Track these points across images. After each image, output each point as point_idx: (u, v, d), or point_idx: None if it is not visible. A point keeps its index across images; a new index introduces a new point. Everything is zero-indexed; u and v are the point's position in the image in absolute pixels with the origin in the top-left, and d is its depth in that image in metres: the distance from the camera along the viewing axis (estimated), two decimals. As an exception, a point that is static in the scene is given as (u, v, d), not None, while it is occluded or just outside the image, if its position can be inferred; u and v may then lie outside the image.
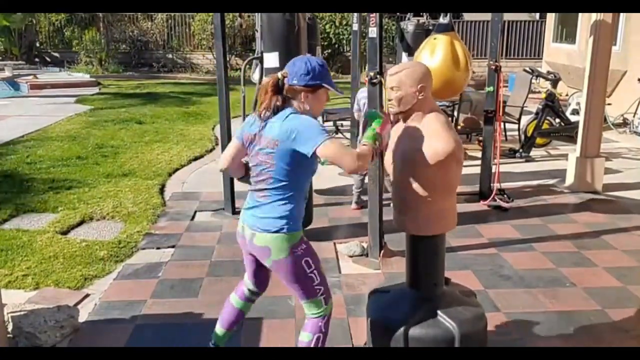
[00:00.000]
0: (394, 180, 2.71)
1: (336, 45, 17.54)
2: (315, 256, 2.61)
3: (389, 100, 2.66)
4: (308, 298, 2.60)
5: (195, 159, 7.45)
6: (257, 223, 2.53)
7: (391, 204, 2.81)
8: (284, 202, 2.49)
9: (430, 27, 6.64)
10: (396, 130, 2.73)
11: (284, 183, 2.47)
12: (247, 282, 2.88)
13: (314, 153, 2.35)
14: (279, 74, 2.50)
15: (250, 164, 2.61)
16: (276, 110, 2.45)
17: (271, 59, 4.37)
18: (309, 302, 2.62)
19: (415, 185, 2.57)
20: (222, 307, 2.95)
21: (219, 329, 2.91)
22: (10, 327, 3.16)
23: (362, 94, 5.26)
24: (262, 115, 2.48)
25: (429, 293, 2.70)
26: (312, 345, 2.61)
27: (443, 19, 5.31)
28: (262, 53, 4.63)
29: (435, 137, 2.52)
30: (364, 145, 2.46)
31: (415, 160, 2.54)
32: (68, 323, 3.26)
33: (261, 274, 2.82)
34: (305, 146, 2.36)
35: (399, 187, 2.67)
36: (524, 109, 8.27)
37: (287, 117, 2.42)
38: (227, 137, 5.27)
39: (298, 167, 2.45)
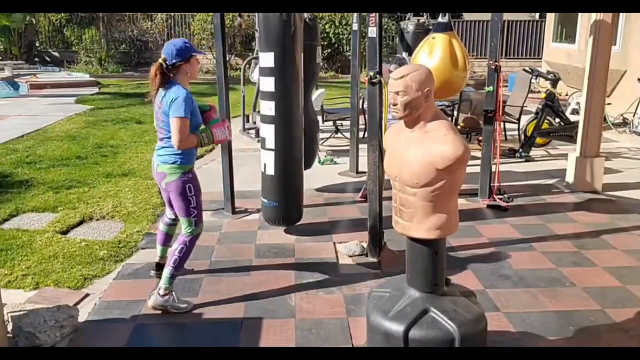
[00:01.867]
0: (399, 186, 2.65)
1: (336, 45, 17.54)
2: (198, 188, 3.58)
3: (394, 105, 2.59)
4: (184, 216, 3.54)
5: (196, 158, 7.44)
6: (159, 160, 3.52)
7: (393, 211, 2.77)
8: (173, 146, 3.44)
9: (431, 27, 6.65)
10: (398, 135, 2.70)
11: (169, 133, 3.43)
12: (167, 212, 3.89)
13: (181, 117, 3.33)
14: (160, 60, 3.42)
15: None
16: (165, 86, 3.42)
17: (267, 59, 4.37)
18: (184, 220, 3.55)
19: (423, 191, 2.54)
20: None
21: (158, 246, 3.95)
22: (10, 327, 3.16)
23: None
24: (156, 92, 3.46)
25: (429, 294, 2.70)
26: (176, 253, 3.54)
27: (442, 19, 5.30)
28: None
29: (443, 142, 2.49)
30: (195, 134, 3.45)
31: (423, 165, 2.51)
32: (68, 323, 3.25)
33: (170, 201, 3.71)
34: (172, 113, 3.34)
35: (405, 193, 2.63)
36: (524, 109, 8.27)
37: (171, 89, 3.40)
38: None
39: None
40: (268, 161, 4.53)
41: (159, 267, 3.91)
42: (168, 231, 3.92)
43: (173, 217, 3.83)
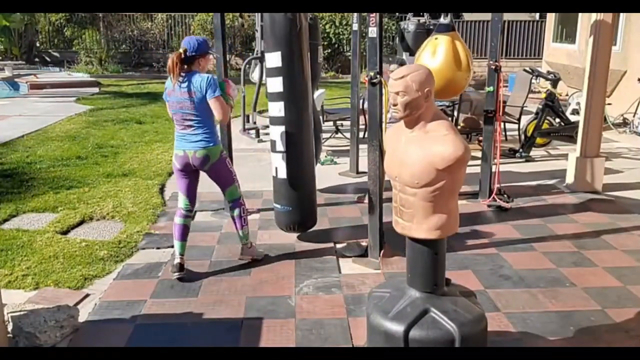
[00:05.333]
0: (399, 186, 2.65)
1: (336, 45, 17.54)
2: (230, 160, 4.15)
3: (394, 105, 2.59)
4: (231, 184, 4.07)
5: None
6: (192, 145, 3.88)
7: (393, 211, 2.76)
8: (207, 128, 3.88)
9: (431, 27, 6.65)
10: (398, 135, 2.70)
11: (203, 117, 3.85)
12: (183, 203, 4.07)
13: (219, 95, 3.79)
14: (181, 50, 3.80)
15: (172, 112, 3.91)
16: (183, 75, 3.79)
17: (273, 59, 4.32)
18: (232, 187, 4.08)
19: (423, 191, 2.54)
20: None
21: (177, 242, 4.02)
22: (10, 327, 3.16)
23: None
24: (177, 79, 3.77)
25: (429, 294, 2.70)
26: (242, 215, 4.12)
27: (444, 19, 5.30)
28: (262, 53, 4.62)
29: (443, 142, 2.48)
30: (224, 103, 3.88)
31: (423, 165, 2.51)
32: (68, 323, 3.26)
33: (192, 190, 4.09)
34: (210, 94, 3.77)
35: (405, 193, 2.62)
36: (524, 109, 8.28)
37: (193, 76, 3.80)
38: (227, 136, 5.25)
39: (208, 106, 3.81)
40: (279, 164, 4.43)
41: (182, 267, 3.96)
42: (186, 223, 4.07)
43: (189, 206, 4.08)
